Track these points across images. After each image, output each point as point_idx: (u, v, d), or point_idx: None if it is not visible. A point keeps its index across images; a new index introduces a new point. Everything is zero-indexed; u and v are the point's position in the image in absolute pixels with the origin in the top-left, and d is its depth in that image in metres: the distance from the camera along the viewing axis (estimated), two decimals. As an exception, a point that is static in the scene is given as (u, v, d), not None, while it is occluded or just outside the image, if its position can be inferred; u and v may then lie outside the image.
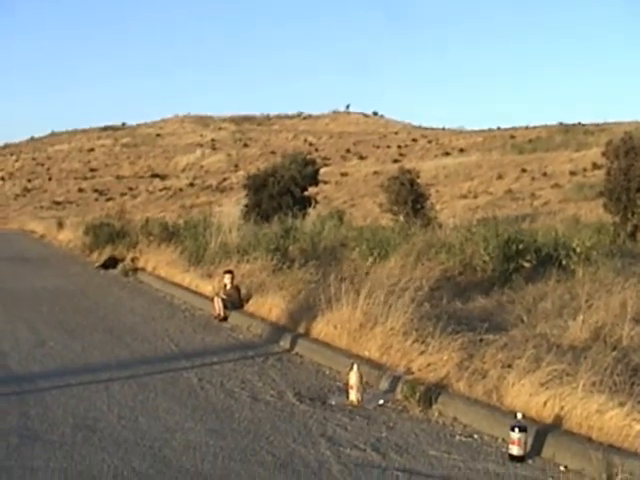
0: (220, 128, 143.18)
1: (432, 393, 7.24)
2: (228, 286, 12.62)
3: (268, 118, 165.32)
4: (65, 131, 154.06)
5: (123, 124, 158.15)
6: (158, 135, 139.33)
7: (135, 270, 19.26)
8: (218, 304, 12.32)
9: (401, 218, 26.74)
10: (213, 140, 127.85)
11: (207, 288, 14.16)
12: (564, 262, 13.22)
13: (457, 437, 6.41)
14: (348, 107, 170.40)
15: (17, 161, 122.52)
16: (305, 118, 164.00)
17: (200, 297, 14.20)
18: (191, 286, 15.51)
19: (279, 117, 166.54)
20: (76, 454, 5.89)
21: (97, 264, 21.39)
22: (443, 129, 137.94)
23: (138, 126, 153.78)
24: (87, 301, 14.80)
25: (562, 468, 5.65)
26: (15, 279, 18.83)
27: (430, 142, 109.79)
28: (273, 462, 5.75)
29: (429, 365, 7.81)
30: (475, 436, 6.42)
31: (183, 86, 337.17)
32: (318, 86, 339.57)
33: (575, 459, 5.66)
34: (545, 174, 62.04)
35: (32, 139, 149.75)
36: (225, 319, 12.19)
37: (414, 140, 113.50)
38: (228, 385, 8.15)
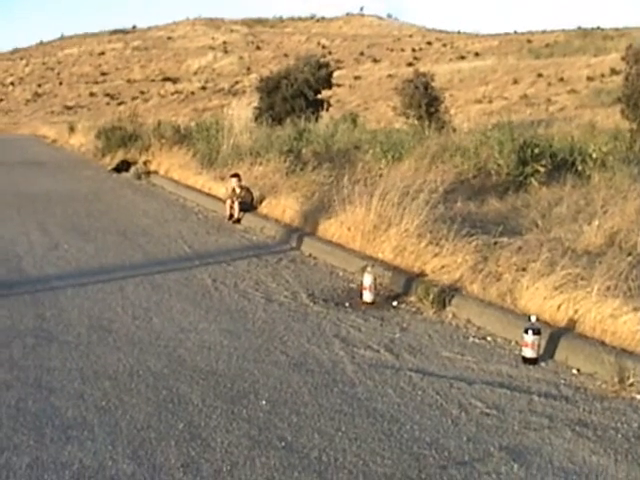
0: (232, 31, 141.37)
1: (446, 295, 7.25)
2: (237, 190, 12.55)
3: (281, 20, 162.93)
4: (75, 35, 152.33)
5: (134, 27, 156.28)
6: (169, 38, 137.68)
7: (148, 173, 19.20)
8: (231, 206, 12.31)
9: (415, 121, 26.45)
10: (225, 43, 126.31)
11: (220, 190, 14.13)
12: (580, 168, 13.12)
13: (470, 339, 6.43)
14: (362, 9, 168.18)
15: (27, 66, 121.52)
16: (318, 20, 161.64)
17: (213, 199, 14.19)
18: (204, 188, 15.48)
19: (292, 19, 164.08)
20: (92, 354, 5.94)
21: (109, 167, 21.32)
22: (458, 32, 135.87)
23: (149, 29, 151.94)
24: (100, 204, 14.80)
25: (574, 371, 5.66)
26: (28, 183, 18.81)
27: (445, 46, 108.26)
28: (287, 362, 5.79)
29: (443, 267, 7.80)
30: (488, 338, 6.44)
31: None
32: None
33: (588, 362, 5.68)
34: (562, 79, 61.20)
35: (41, 43, 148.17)
36: (238, 221, 12.20)
37: (429, 43, 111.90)
38: (242, 286, 8.18)
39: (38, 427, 4.62)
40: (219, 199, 13.68)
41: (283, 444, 4.43)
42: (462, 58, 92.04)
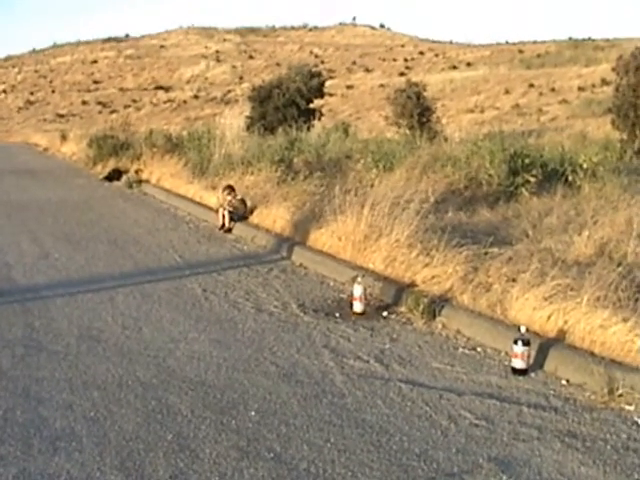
0: (225, 40, 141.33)
1: (436, 305, 7.25)
2: (232, 200, 12.55)
3: (273, 30, 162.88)
4: (67, 43, 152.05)
5: (127, 35, 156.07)
6: (162, 47, 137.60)
7: (139, 182, 19.17)
8: (222, 215, 12.30)
9: (406, 131, 26.49)
10: (217, 52, 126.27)
11: (211, 200, 14.13)
12: (570, 178, 13.12)
13: (460, 350, 6.43)
14: (354, 19, 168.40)
15: (19, 73, 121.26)
16: (311, 30, 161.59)
17: (204, 208, 14.18)
18: (195, 198, 15.47)
19: (284, 29, 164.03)
20: (81, 364, 5.93)
21: (101, 176, 21.28)
22: (450, 42, 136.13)
23: (142, 37, 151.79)
24: (91, 213, 14.78)
25: (564, 382, 5.67)
26: (19, 191, 18.78)
27: (437, 55, 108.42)
28: (276, 372, 5.79)
29: (433, 277, 7.80)
30: (478, 349, 6.44)
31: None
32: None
33: (577, 373, 5.68)
34: (553, 90, 61.37)
35: (34, 51, 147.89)
36: (229, 230, 12.19)
37: (421, 53, 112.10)
38: (232, 296, 8.17)
39: (26, 438, 4.61)
40: (210, 208, 13.67)
41: (272, 455, 4.43)
42: (454, 68, 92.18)
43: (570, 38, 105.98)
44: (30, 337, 6.66)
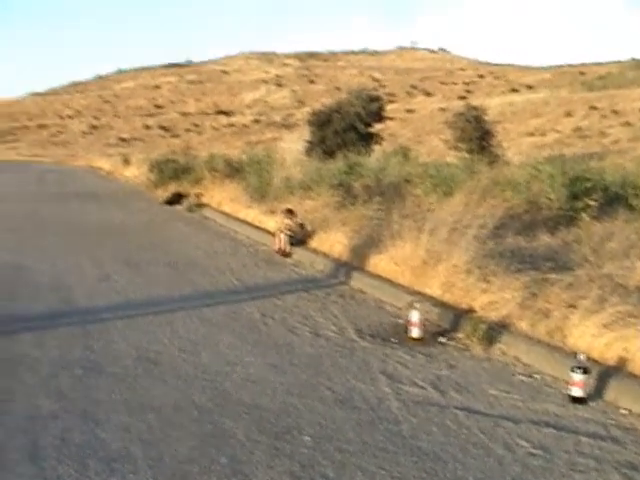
0: (285, 64, 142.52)
1: (494, 332, 7.17)
2: (291, 224, 12.59)
3: (333, 54, 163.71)
4: (131, 69, 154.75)
5: (189, 61, 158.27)
6: (223, 72, 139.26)
7: (199, 206, 19.39)
8: (281, 239, 12.34)
9: (465, 155, 26.38)
10: (278, 76, 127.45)
11: (270, 224, 14.20)
12: (633, 202, 12.92)
13: (518, 377, 6.35)
14: (414, 43, 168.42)
15: (84, 99, 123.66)
16: (371, 54, 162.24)
17: (263, 233, 14.26)
18: (254, 222, 15.58)
19: (344, 53, 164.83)
20: (138, 386, 5.98)
21: (162, 200, 21.57)
22: (511, 65, 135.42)
23: (203, 63, 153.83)
24: (151, 236, 14.95)
25: (624, 411, 5.56)
26: (82, 214, 19.10)
27: (497, 78, 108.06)
28: (332, 398, 5.77)
29: (491, 304, 7.72)
30: (536, 376, 6.35)
31: (248, 23, 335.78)
32: (383, 22, 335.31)
33: (638, 403, 5.57)
34: (615, 112, 60.61)
35: (98, 77, 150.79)
36: (288, 255, 12.22)
37: (481, 76, 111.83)
38: (290, 320, 8.17)
39: (82, 458, 4.65)
40: (269, 232, 13.74)
41: (325, 481, 4.41)
42: (514, 91, 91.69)
43: (633, 59, 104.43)
44: (89, 359, 6.74)
